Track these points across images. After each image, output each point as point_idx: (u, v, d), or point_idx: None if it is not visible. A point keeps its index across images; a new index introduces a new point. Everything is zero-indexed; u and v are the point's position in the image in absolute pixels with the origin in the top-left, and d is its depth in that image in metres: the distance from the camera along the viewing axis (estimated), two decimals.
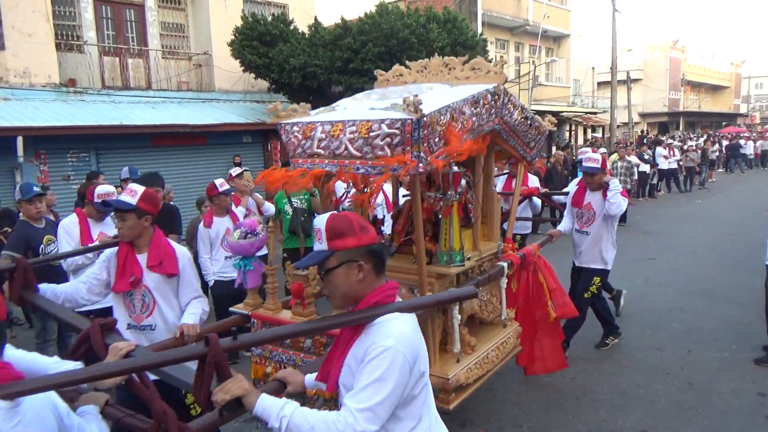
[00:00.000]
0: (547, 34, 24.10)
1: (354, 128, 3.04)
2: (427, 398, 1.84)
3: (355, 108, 3.48)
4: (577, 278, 5.36)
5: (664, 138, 23.81)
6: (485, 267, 3.91)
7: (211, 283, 5.39)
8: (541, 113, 16.19)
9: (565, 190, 6.33)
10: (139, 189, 3.04)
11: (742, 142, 25.50)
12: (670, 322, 6.20)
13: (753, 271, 5.30)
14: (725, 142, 25.63)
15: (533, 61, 21.47)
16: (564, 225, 5.44)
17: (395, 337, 1.69)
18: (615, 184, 5.03)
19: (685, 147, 20.57)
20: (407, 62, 4.17)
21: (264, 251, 4.70)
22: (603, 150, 13.02)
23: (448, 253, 3.45)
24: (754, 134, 29.17)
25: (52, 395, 1.74)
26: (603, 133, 29.99)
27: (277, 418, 1.65)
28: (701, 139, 25.01)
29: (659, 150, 17.43)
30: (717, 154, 23.53)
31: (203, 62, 13.58)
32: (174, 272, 3.12)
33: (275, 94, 13.43)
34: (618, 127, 26.80)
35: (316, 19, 12.62)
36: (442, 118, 2.98)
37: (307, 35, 12.02)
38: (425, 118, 2.82)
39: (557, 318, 4.33)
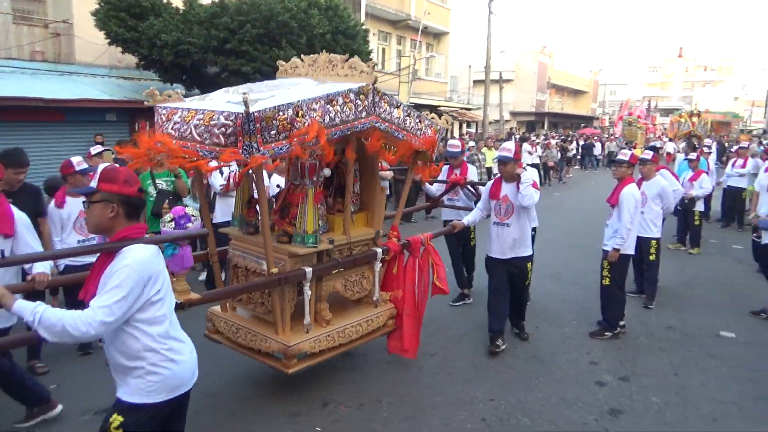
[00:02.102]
0: (428, 30, 24.92)
1: (201, 116, 3.43)
2: (169, 306, 2.46)
3: (219, 99, 3.76)
4: (503, 270, 5.26)
5: (529, 135, 25.61)
6: (357, 251, 4.32)
7: (61, 268, 4.98)
8: (420, 107, 16.79)
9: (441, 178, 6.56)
10: None
11: (596, 144, 28.16)
12: None
13: (595, 255, 5.93)
14: (582, 142, 28.14)
15: (414, 55, 22.09)
16: (470, 217, 5.55)
17: (132, 258, 2.29)
18: (526, 176, 4.98)
19: (549, 145, 22.31)
20: (302, 56, 4.47)
21: None
22: (472, 143, 13.77)
23: (301, 234, 3.87)
24: (605, 136, 32.24)
25: None
26: (476, 129, 31.65)
27: (32, 313, 2.13)
28: (554, 140, 27.07)
29: (525, 146, 18.76)
30: (574, 152, 25.77)
31: (62, 31, 12.43)
32: (9, 233, 3.53)
33: (145, 71, 12.64)
34: (490, 123, 28.42)
35: None
36: (280, 113, 3.31)
37: (181, 11, 11.41)
38: (256, 113, 3.17)
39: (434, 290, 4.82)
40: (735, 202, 11.49)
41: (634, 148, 19.93)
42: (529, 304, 6.44)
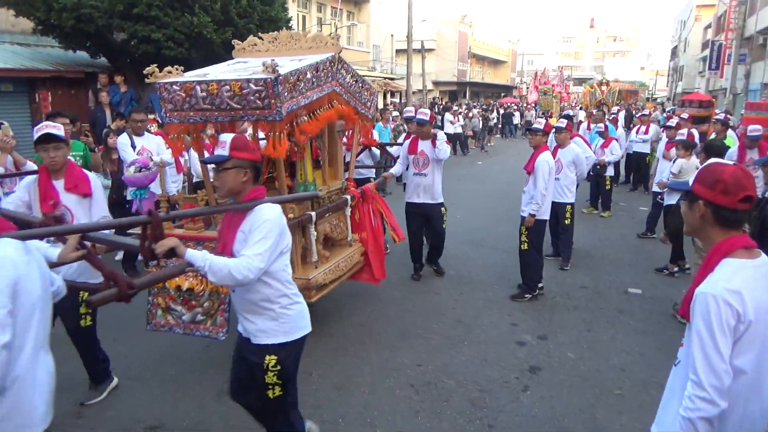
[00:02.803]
0: None
1: (228, 87, 3.90)
2: (286, 258, 2.84)
3: (223, 72, 4.27)
4: (418, 215, 6.42)
5: (451, 105, 25.96)
6: (333, 199, 5.08)
7: None
8: None
9: (399, 141, 7.64)
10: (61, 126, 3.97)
11: (515, 113, 28.96)
12: (447, 269, 6.91)
13: (516, 221, 6.14)
14: (502, 111, 28.90)
15: (335, 23, 21.69)
16: (395, 169, 6.59)
17: (270, 214, 2.68)
18: (441, 135, 6.33)
19: (470, 114, 22.77)
20: (261, 35, 4.88)
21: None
22: (396, 113, 13.80)
23: (303, 184, 4.61)
24: (524, 105, 33.20)
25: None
26: (400, 99, 31.74)
27: (203, 260, 2.48)
28: (475, 110, 27.65)
29: (447, 116, 19.04)
30: (495, 121, 26.43)
31: None
32: (88, 192, 3.67)
33: (43, 37, 11.63)
34: (413, 93, 28.53)
35: None
36: (291, 77, 3.96)
37: None
38: (281, 77, 3.78)
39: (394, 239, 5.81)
40: (639, 166, 12.24)
41: (551, 116, 20.75)
42: (452, 272, 6.62)
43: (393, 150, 7.50)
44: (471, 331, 5.19)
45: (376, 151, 7.68)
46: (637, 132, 12.00)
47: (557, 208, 6.68)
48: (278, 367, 2.80)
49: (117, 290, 2.45)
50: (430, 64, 37.78)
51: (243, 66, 4.46)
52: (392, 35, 31.81)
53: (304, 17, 22.76)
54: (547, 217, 5.98)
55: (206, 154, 4.31)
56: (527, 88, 51.77)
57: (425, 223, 6.46)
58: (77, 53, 11.79)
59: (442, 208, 6.43)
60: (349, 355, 4.65)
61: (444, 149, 6.17)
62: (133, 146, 6.07)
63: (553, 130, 6.89)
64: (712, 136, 11.18)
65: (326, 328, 5.11)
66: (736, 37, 29.93)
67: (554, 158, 6.42)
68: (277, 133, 4.00)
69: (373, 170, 7.85)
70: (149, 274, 3.27)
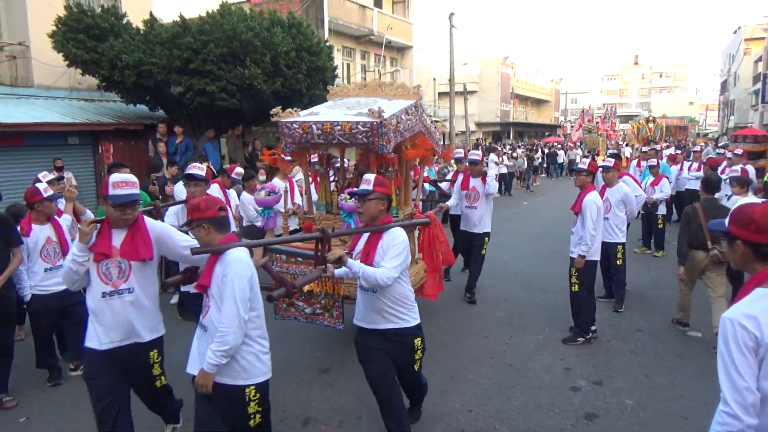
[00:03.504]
0: (391, 45, 25.17)
1: (339, 128, 4.96)
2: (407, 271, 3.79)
3: (332, 112, 5.32)
4: (467, 241, 7.38)
5: (496, 146, 25.99)
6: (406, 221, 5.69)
7: (27, 298, 4.85)
8: None
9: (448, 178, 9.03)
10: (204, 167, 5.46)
11: (558, 152, 28.67)
12: (496, 311, 6.84)
13: (564, 262, 6.05)
14: (546, 151, 28.67)
15: (378, 70, 22.29)
16: (450, 202, 7.47)
17: (402, 236, 3.60)
18: (491, 173, 7.23)
19: (515, 155, 22.72)
20: (352, 82, 6.01)
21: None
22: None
23: (393, 208, 5.26)
24: (568, 144, 32.86)
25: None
26: (443, 140, 31.94)
27: (359, 267, 3.42)
28: (519, 149, 27.44)
29: (491, 156, 19.02)
30: (540, 161, 26.24)
31: (18, 54, 12.15)
32: (149, 257, 3.41)
33: (107, 93, 12.43)
34: (456, 135, 28.76)
35: (151, 14, 11.90)
36: (393, 120, 4.97)
37: (142, 31, 11.28)
38: (384, 122, 4.79)
39: (443, 262, 6.16)
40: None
41: (597, 155, 20.47)
42: (502, 314, 6.52)
43: (442, 185, 8.74)
44: (522, 375, 5.08)
45: (427, 186, 8.62)
46: (689, 169, 11.70)
47: (608, 249, 6.54)
48: (420, 343, 3.82)
49: (285, 289, 3.22)
50: (472, 105, 38.12)
51: (345, 104, 5.58)
52: (434, 79, 32.38)
53: (348, 65, 23.49)
54: (597, 257, 5.86)
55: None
56: (571, 126, 51.42)
57: (469, 249, 7.46)
58: (137, 107, 12.51)
59: (486, 238, 7.31)
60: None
61: (493, 185, 7.13)
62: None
63: (600, 169, 6.82)
64: None
65: None
66: None
67: (603, 197, 6.35)
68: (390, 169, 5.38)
69: (425, 202, 8.69)
70: (301, 278, 4.06)
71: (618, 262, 6.78)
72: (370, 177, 3.70)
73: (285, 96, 11.66)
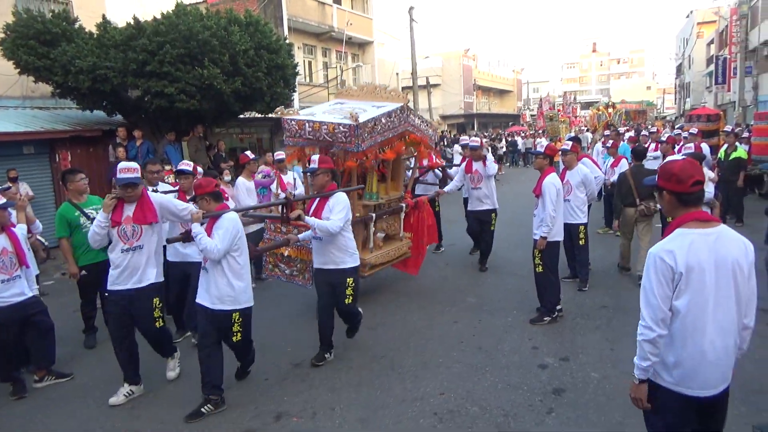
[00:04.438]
0: (352, 41, 25.11)
1: (326, 127, 6.06)
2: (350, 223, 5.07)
3: (324, 113, 6.47)
4: (477, 219, 8.18)
5: (459, 137, 26.18)
6: (392, 205, 7.04)
7: None
8: None
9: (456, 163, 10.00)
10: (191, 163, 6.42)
11: (517, 139, 28.98)
12: (466, 297, 6.94)
13: (529, 246, 6.17)
14: (509, 140, 29.02)
15: (340, 66, 22.23)
16: (449, 187, 8.43)
17: (343, 197, 4.98)
18: (490, 156, 8.23)
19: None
20: (354, 86, 6.11)
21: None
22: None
23: (369, 194, 6.66)
24: (526, 132, 33.09)
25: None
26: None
27: (314, 221, 4.80)
28: (484, 139, 27.62)
29: (456, 147, 19.22)
30: (504, 150, 26.56)
31: None
32: (154, 221, 4.54)
33: (62, 99, 12.11)
34: (440, 122, 28.80)
35: (104, 17, 11.61)
36: (370, 123, 6.01)
37: (95, 35, 11.02)
38: (360, 125, 5.85)
39: (426, 242, 7.50)
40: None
41: (559, 141, 20.83)
42: (472, 299, 6.62)
43: (452, 171, 9.33)
44: (492, 357, 5.17)
45: (439, 172, 9.29)
46: (647, 150, 12.00)
47: (571, 230, 6.69)
48: (352, 281, 5.05)
49: (249, 252, 4.57)
50: (436, 98, 38.37)
51: (339, 108, 6.58)
52: (397, 74, 32.44)
53: (310, 62, 23.37)
54: (559, 238, 6.00)
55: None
56: (530, 115, 52.08)
57: (480, 226, 8.19)
58: (94, 112, 12.21)
59: (493, 214, 8.15)
60: (373, 388, 4.65)
61: (492, 166, 8.02)
62: (156, 191, 6.26)
63: (560, 152, 6.97)
64: (724, 148, 11.20)
65: (348, 362, 5.14)
66: (740, 51, 30.04)
67: (563, 180, 6.49)
68: (358, 160, 6.19)
69: (437, 186, 9.25)
70: (267, 244, 6.20)
71: (581, 242, 6.94)
72: (316, 158, 5.14)
73: (246, 95, 11.55)
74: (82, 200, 5.72)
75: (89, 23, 11.56)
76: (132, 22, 10.96)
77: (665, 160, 2.77)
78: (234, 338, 4.41)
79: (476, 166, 8.01)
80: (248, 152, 8.25)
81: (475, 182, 8.05)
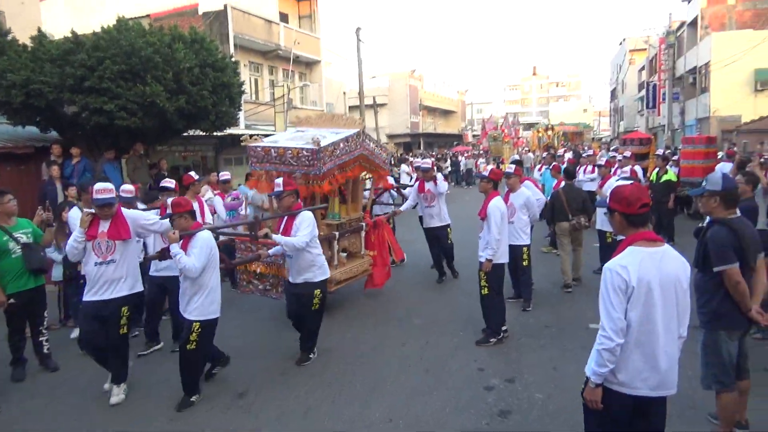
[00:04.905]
0: (299, 60, 25.11)
1: (290, 152, 6.62)
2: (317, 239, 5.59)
3: (287, 140, 7.02)
4: (433, 235, 8.68)
5: (407, 157, 26.52)
6: (353, 224, 7.49)
7: None
8: None
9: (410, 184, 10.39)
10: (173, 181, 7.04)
11: (460, 159, 29.47)
12: (413, 318, 6.97)
13: (475, 266, 6.26)
14: (453, 160, 29.54)
15: (287, 85, 22.13)
16: (404, 206, 8.87)
17: (308, 215, 5.44)
18: (440, 176, 8.83)
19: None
20: (315, 114, 6.73)
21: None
22: None
23: (331, 213, 7.14)
24: (466, 153, 33.64)
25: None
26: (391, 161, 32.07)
27: (281, 239, 5.28)
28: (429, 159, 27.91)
29: (403, 167, 19.43)
30: (449, 169, 27.02)
31: None
32: (126, 237, 4.85)
33: None
34: (395, 147, 29.00)
35: (39, 30, 11.16)
36: (329, 148, 6.55)
37: (29, 48, 10.55)
38: (321, 149, 6.39)
39: (397, 257, 8.57)
40: (588, 204, 12.68)
41: (503, 163, 21.41)
42: (418, 320, 6.66)
43: (406, 191, 9.72)
44: (439, 379, 5.20)
45: (394, 193, 9.94)
46: (584, 172, 12.51)
47: (514, 251, 6.83)
48: (320, 293, 5.51)
49: (225, 264, 5.05)
50: (383, 118, 38.74)
51: (301, 135, 7.11)
52: (344, 93, 32.61)
53: (256, 80, 23.18)
54: (504, 260, 6.13)
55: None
56: (472, 135, 53.12)
57: (437, 240, 8.68)
58: (26, 128, 11.65)
59: (448, 228, 8.72)
60: (321, 414, 4.59)
61: (443, 185, 8.65)
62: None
63: (504, 175, 7.15)
64: (655, 171, 11.80)
65: (295, 389, 5.05)
66: (668, 78, 31.88)
67: (507, 202, 6.66)
68: (318, 182, 6.65)
69: (391, 206, 9.98)
70: (240, 258, 6.59)
71: (524, 263, 7.11)
72: (280, 181, 5.60)
73: (190, 113, 11.29)
74: (11, 223, 5.44)
75: (23, 36, 11.06)
76: (70, 36, 10.57)
77: (615, 185, 3.17)
78: (188, 346, 4.66)
79: (428, 185, 8.55)
80: (192, 173, 8.03)
81: (429, 201, 8.59)
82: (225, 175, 9.17)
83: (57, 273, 6.88)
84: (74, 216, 5.99)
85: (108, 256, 4.76)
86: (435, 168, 9.27)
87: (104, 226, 4.77)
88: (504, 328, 6.13)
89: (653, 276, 2.73)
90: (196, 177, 7.88)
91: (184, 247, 4.58)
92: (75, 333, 6.58)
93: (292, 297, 5.63)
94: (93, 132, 11.02)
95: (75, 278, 6.49)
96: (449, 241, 8.73)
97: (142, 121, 10.51)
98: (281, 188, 5.52)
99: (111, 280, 4.78)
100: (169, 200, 5.13)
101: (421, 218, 9.24)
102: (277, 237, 5.29)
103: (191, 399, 4.78)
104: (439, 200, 8.57)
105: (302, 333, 5.70)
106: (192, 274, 4.50)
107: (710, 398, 4.01)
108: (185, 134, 13.20)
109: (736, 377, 3.80)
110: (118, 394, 4.98)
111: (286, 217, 5.53)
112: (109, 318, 4.81)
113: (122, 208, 4.97)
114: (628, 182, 3.20)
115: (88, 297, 4.84)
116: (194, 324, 4.62)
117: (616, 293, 2.75)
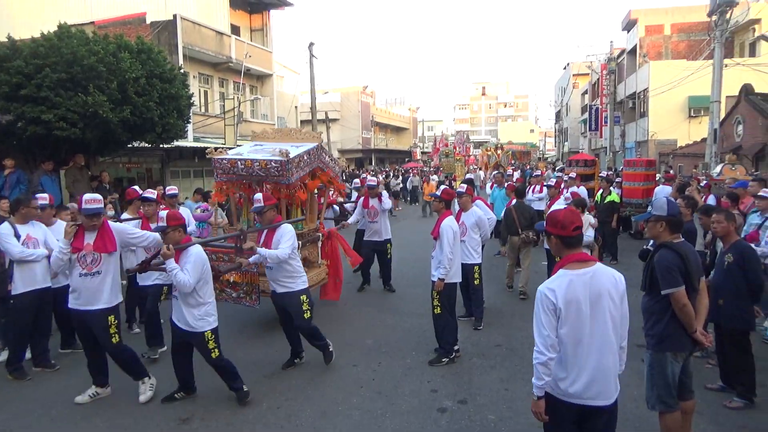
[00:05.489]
0: (251, 73, 24.82)
1: (258, 164, 6.79)
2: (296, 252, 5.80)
3: (252, 153, 7.14)
4: (374, 249, 9.11)
5: (358, 173, 26.47)
6: (311, 235, 7.70)
7: None
8: None
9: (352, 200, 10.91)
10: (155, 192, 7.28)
11: (409, 176, 29.49)
12: (365, 338, 6.87)
13: (428, 285, 6.23)
14: (405, 176, 29.64)
15: (237, 98, 21.81)
16: (352, 219, 9.34)
17: (288, 228, 5.62)
18: (385, 193, 9.32)
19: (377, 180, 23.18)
20: (273, 127, 6.71)
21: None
22: None
23: (295, 224, 6.57)
24: (413, 170, 33.58)
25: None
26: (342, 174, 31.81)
27: (264, 251, 5.40)
28: (380, 176, 27.67)
29: (355, 182, 19.36)
30: (401, 186, 27.10)
31: None
32: (113, 250, 4.93)
33: None
34: (346, 162, 28.70)
35: None
36: (296, 159, 6.83)
37: None
38: (290, 160, 6.68)
39: (353, 263, 8.70)
40: (537, 220, 12.98)
41: (455, 180, 21.67)
42: (370, 341, 6.57)
43: (348, 206, 10.49)
44: (392, 402, 5.11)
45: (337, 208, 10.30)
46: (533, 192, 12.80)
47: (466, 270, 6.84)
48: (306, 298, 5.66)
49: (214, 273, 5.01)
50: (335, 133, 38.69)
51: (261, 148, 7.25)
52: (296, 107, 32.41)
53: (206, 92, 22.74)
54: (457, 279, 6.13)
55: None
56: (421, 152, 53.57)
57: (377, 255, 9.20)
58: None
59: (388, 244, 9.22)
60: None
61: (388, 202, 9.18)
62: (17, 235, 5.62)
63: (456, 195, 7.18)
64: (599, 192, 12.19)
65: (242, 415, 4.85)
66: (609, 102, 33.26)
67: (459, 221, 6.69)
68: (288, 191, 7.13)
69: (332, 221, 10.12)
70: (228, 265, 6.32)
71: (476, 282, 7.14)
72: (260, 196, 5.70)
73: (135, 124, 10.92)
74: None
75: None
76: (6, 41, 10.07)
77: (551, 209, 3.54)
78: (212, 355, 4.85)
79: (372, 202, 8.99)
80: (136, 187, 7.71)
81: (372, 216, 9.02)
82: (172, 189, 8.84)
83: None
84: (4, 232, 5.58)
85: (93, 268, 4.80)
86: (382, 185, 9.86)
87: (90, 238, 4.81)
88: (456, 347, 6.11)
89: (582, 295, 2.97)
90: (140, 192, 7.58)
91: (176, 262, 4.62)
92: (2, 356, 6.15)
93: (280, 310, 5.83)
94: (29, 142, 10.49)
95: (3, 299, 6.07)
96: (388, 256, 9.23)
97: (83, 132, 10.10)
98: (262, 203, 5.60)
99: (93, 291, 4.83)
100: (163, 213, 4.97)
101: (360, 232, 9.70)
102: (261, 250, 5.39)
103: (244, 393, 5.02)
104: (382, 216, 9.03)
105: (306, 340, 5.88)
106: (186, 290, 4.59)
107: (655, 418, 4.08)
108: (130, 146, 12.74)
109: (680, 398, 3.89)
110: (144, 392, 5.12)
111: (266, 230, 5.65)
112: (98, 332, 4.88)
113: (108, 221, 5.07)
114: (563, 207, 3.48)
115: (72, 304, 4.92)
116: (206, 334, 4.77)
117: (545, 313, 2.99)
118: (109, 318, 4.90)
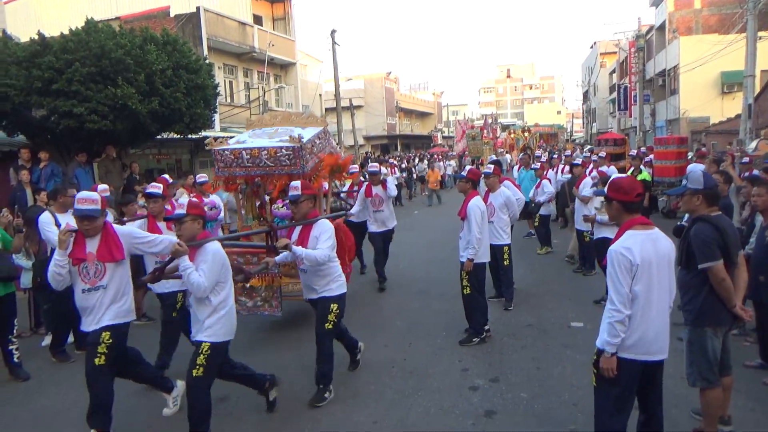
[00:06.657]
0: (274, 62, 24.90)
1: (266, 153, 6.06)
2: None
3: (256, 141, 6.39)
4: (380, 237, 8.53)
5: (386, 159, 26.45)
6: None
7: None
8: None
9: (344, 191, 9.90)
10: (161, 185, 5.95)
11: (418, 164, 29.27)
12: (395, 320, 6.91)
13: (457, 267, 6.22)
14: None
15: (262, 87, 21.93)
16: (354, 209, 8.57)
17: (328, 224, 4.77)
18: (389, 179, 8.82)
19: (404, 165, 23.23)
20: (269, 113, 6.56)
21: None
22: None
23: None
24: (435, 154, 33.49)
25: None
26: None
27: (302, 251, 4.55)
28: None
29: (382, 169, 19.37)
30: (425, 171, 26.94)
31: None
32: (120, 258, 4.04)
33: None
34: (345, 149, 28.95)
35: (4, 32, 10.84)
36: (308, 145, 6.17)
37: None
38: (303, 146, 6.02)
39: (348, 259, 7.20)
40: (566, 203, 12.82)
41: (482, 164, 21.49)
42: (401, 322, 6.60)
43: (343, 196, 9.84)
44: (423, 381, 5.14)
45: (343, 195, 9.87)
46: (562, 172, 12.60)
47: (495, 250, 6.81)
48: (336, 308, 4.81)
49: (244, 275, 4.92)
50: (359, 119, 38.70)
51: (262, 132, 6.63)
52: (320, 95, 32.47)
53: (231, 82, 22.92)
54: (486, 259, 6.11)
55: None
56: (442, 136, 52.98)
57: (384, 243, 8.59)
58: None
59: (392, 234, 8.77)
60: (303, 419, 4.49)
61: (393, 188, 8.58)
62: (58, 225, 5.79)
63: (483, 175, 7.12)
64: (630, 170, 11.94)
65: (277, 394, 4.93)
66: (638, 80, 32.46)
67: (486, 202, 6.64)
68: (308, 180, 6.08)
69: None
70: (255, 267, 5.43)
71: (505, 262, 7.11)
72: (297, 183, 4.89)
73: (164, 115, 11.09)
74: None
75: None
76: (36, 38, 10.28)
77: (615, 176, 3.92)
78: (193, 371, 3.92)
79: (376, 190, 8.39)
80: (166, 176, 7.85)
81: (377, 205, 8.42)
82: (202, 177, 8.96)
83: (26, 280, 6.63)
84: (45, 220, 5.78)
85: (96, 282, 3.95)
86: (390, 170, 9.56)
87: (92, 246, 3.95)
88: (486, 327, 6.10)
89: (652, 254, 3.17)
90: (170, 180, 7.72)
91: (190, 260, 3.93)
92: (46, 341, 6.38)
93: (316, 316, 4.92)
94: (62, 135, 10.75)
95: (45, 285, 6.27)
96: (389, 244, 8.76)
97: (114, 124, 10.29)
98: (299, 192, 4.72)
99: (97, 308, 3.98)
100: (183, 200, 4.78)
101: (351, 225, 8.74)
102: (297, 249, 4.52)
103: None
104: (387, 204, 8.48)
105: (316, 359, 4.87)
106: (201, 294, 3.88)
107: (693, 394, 4.02)
108: (159, 137, 12.96)
109: (719, 374, 3.81)
110: (170, 406, 4.64)
111: (299, 227, 4.84)
112: (89, 345, 4.03)
113: (113, 224, 4.19)
114: (623, 175, 3.65)
115: (86, 328, 4.08)
116: (203, 345, 3.93)
117: (622, 272, 3.13)
118: (103, 335, 3.96)
